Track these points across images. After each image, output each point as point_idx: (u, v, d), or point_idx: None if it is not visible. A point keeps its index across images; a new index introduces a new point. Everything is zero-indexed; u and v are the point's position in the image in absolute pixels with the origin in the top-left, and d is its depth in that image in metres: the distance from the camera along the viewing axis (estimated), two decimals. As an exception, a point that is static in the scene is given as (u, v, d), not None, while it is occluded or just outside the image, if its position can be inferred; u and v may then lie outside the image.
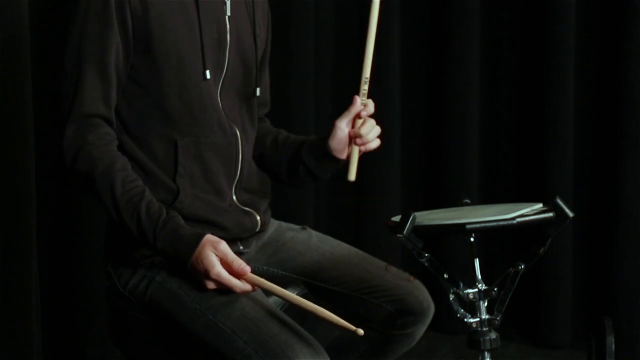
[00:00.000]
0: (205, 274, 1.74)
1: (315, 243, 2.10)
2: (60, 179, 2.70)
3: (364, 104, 1.98)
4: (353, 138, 1.97)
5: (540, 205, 1.88)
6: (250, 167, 2.02)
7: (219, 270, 1.74)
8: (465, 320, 1.84)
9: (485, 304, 1.84)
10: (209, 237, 1.75)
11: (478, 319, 1.84)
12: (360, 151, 1.98)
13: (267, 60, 2.12)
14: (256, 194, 2.02)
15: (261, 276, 1.78)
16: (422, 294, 2.03)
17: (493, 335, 1.84)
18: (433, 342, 3.26)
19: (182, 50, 1.86)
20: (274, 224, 2.11)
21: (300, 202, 3.32)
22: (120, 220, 1.78)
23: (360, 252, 2.11)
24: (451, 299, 1.83)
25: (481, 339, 1.83)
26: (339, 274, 2.04)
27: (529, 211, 1.82)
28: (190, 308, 1.80)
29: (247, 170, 1.99)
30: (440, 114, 3.42)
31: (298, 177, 2.08)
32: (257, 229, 2.01)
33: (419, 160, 3.51)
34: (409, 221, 1.75)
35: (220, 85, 1.94)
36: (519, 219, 1.77)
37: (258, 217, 2.00)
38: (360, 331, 1.67)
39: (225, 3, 1.94)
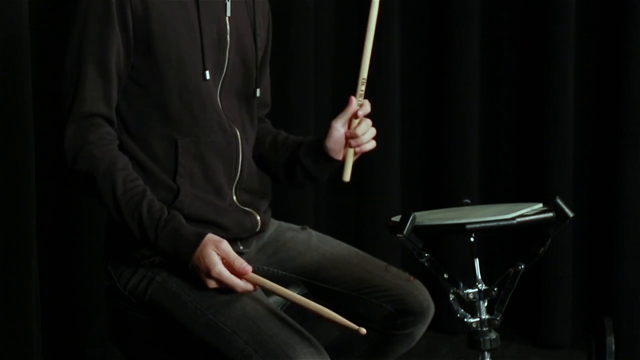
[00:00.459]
0: (207, 273, 1.74)
1: (315, 243, 2.10)
2: (60, 179, 2.70)
3: (360, 104, 1.97)
4: (348, 139, 1.97)
5: (540, 205, 1.88)
6: (251, 168, 2.02)
7: (220, 269, 1.74)
8: (465, 320, 1.84)
9: (485, 304, 1.84)
10: (211, 236, 1.76)
11: (478, 319, 1.84)
12: (355, 152, 1.98)
13: (268, 60, 2.12)
14: (256, 194, 2.03)
15: (262, 276, 1.78)
16: (422, 294, 2.03)
17: (493, 335, 1.83)
18: (433, 342, 3.26)
19: (182, 51, 1.86)
20: (274, 224, 2.11)
21: (300, 202, 3.32)
22: (121, 220, 1.78)
23: (360, 252, 2.11)
24: (451, 299, 1.83)
25: (481, 339, 1.83)
26: (339, 274, 2.04)
27: (529, 211, 1.82)
28: (191, 308, 1.80)
29: (247, 171, 1.99)
30: (440, 114, 3.42)
31: (296, 177, 2.08)
32: (257, 229, 2.01)
33: (419, 160, 3.51)
34: (409, 221, 1.75)
35: (220, 85, 1.94)
36: (519, 219, 1.77)
37: (258, 217, 2.00)
38: (363, 330, 1.67)
39: (225, 3, 1.94)
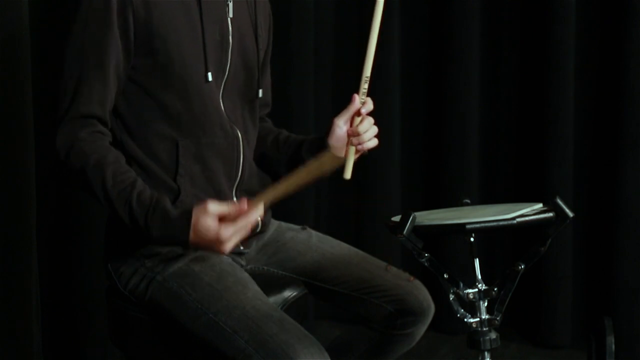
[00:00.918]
0: (218, 241, 1.70)
1: (315, 243, 2.10)
2: (60, 179, 2.70)
3: (363, 102, 1.97)
4: (350, 136, 1.97)
5: (540, 205, 1.88)
6: (251, 169, 2.02)
7: (223, 232, 1.69)
8: (465, 320, 1.84)
9: (485, 304, 1.84)
10: (196, 210, 1.72)
11: (478, 319, 1.84)
12: (357, 150, 1.98)
13: (269, 61, 2.12)
14: (257, 195, 2.02)
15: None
16: (422, 294, 2.03)
17: (493, 335, 1.83)
18: (433, 342, 3.26)
19: (184, 52, 1.86)
20: (274, 224, 2.11)
21: (300, 202, 3.32)
22: (114, 213, 1.77)
23: (360, 252, 2.11)
24: (451, 299, 1.83)
25: (481, 339, 1.83)
26: (339, 274, 2.04)
27: (529, 211, 1.82)
28: (191, 308, 1.80)
29: (248, 172, 1.99)
30: (440, 114, 3.42)
31: None
32: (258, 230, 2.01)
33: (419, 160, 3.51)
34: (409, 221, 1.75)
35: (222, 87, 1.94)
36: (519, 219, 1.77)
37: (258, 218, 2.00)
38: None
39: (227, 4, 1.94)
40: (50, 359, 2.79)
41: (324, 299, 2.09)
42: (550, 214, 1.80)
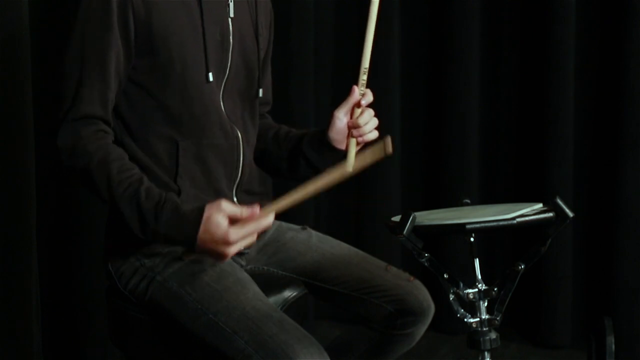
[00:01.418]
0: (224, 241, 1.68)
1: (315, 243, 2.10)
2: (60, 179, 2.70)
3: (362, 93, 1.97)
4: (351, 128, 1.97)
5: (540, 205, 1.88)
6: (252, 169, 2.02)
7: (231, 233, 1.68)
8: (465, 320, 1.84)
9: (485, 304, 1.84)
10: (209, 206, 1.70)
11: (478, 319, 1.84)
12: (357, 142, 1.97)
13: (270, 58, 2.11)
14: (257, 196, 2.02)
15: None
16: (422, 294, 2.03)
17: (493, 335, 1.84)
18: (433, 342, 3.26)
19: (185, 52, 1.86)
20: (275, 224, 2.11)
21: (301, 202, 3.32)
22: (119, 211, 1.75)
23: (360, 252, 2.11)
24: (451, 299, 1.83)
25: (481, 339, 1.83)
26: (339, 274, 2.04)
27: (529, 211, 1.82)
28: (191, 308, 1.80)
29: (248, 172, 1.99)
30: (440, 114, 3.42)
31: (299, 169, 2.07)
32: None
33: (419, 160, 3.51)
34: (409, 221, 1.75)
35: (222, 87, 1.94)
36: (519, 219, 1.77)
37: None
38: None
39: (228, 4, 1.94)
40: (50, 359, 2.79)
41: (324, 299, 2.09)
42: (550, 214, 1.80)
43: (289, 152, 2.07)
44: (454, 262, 3.19)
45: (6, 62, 2.47)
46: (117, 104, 1.86)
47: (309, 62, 3.32)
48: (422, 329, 2.05)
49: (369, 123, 1.97)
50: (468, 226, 1.75)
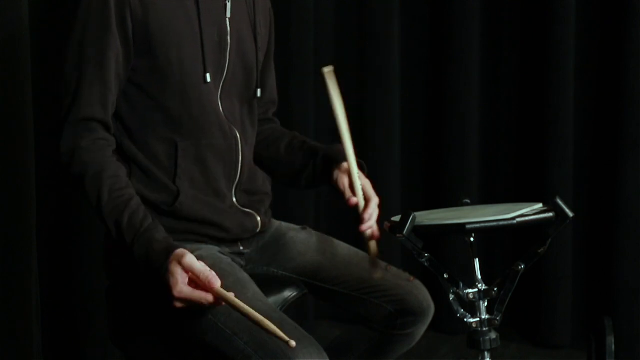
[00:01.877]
0: (171, 293, 1.68)
1: (316, 243, 2.10)
2: (60, 179, 2.70)
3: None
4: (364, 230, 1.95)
5: (540, 205, 1.88)
6: (251, 169, 2.02)
7: (180, 288, 1.67)
8: (465, 320, 1.84)
9: (485, 304, 1.84)
10: (177, 251, 1.68)
11: (478, 319, 1.84)
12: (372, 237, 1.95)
13: (272, 58, 2.11)
14: (256, 196, 2.02)
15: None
16: (422, 294, 2.03)
17: (493, 335, 1.84)
18: (433, 342, 3.26)
19: (182, 53, 1.86)
20: (275, 224, 2.11)
21: (301, 202, 3.33)
22: (106, 229, 1.77)
23: (360, 252, 2.11)
24: (451, 299, 1.83)
25: (481, 339, 1.83)
26: (339, 274, 2.04)
27: (529, 211, 1.82)
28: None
29: (247, 173, 1.99)
30: (440, 114, 3.42)
31: (313, 181, 2.08)
32: (258, 230, 2.01)
33: (419, 160, 3.51)
34: (409, 221, 1.75)
35: (220, 87, 1.94)
36: (519, 219, 1.77)
37: (258, 219, 2.00)
38: (292, 343, 1.61)
39: (225, 4, 1.94)
40: (50, 359, 2.79)
41: (324, 299, 2.09)
42: (550, 214, 1.80)
43: (301, 161, 2.07)
44: (454, 262, 3.18)
45: (6, 62, 2.47)
46: (117, 106, 1.86)
47: (309, 62, 3.32)
48: (422, 329, 2.05)
49: (373, 216, 1.95)
50: (468, 226, 1.75)
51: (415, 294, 2.02)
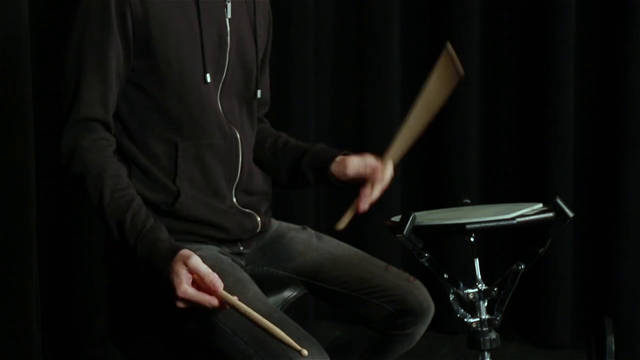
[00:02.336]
0: (174, 292, 1.68)
1: (316, 243, 2.10)
2: (60, 179, 2.70)
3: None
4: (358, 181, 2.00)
5: (540, 205, 1.88)
6: (251, 169, 2.02)
7: (185, 288, 1.67)
8: (465, 320, 1.84)
9: (485, 304, 1.84)
10: (182, 252, 1.69)
11: (478, 319, 1.84)
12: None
13: (268, 59, 2.11)
14: (256, 196, 2.02)
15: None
16: (422, 294, 2.03)
17: (493, 335, 1.84)
18: (433, 342, 3.26)
19: (182, 53, 1.86)
20: (275, 224, 2.11)
21: (301, 202, 3.32)
22: (107, 230, 1.77)
23: (360, 252, 2.11)
24: (451, 299, 1.83)
25: (481, 339, 1.83)
26: (339, 274, 2.04)
27: (529, 211, 1.82)
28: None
29: (247, 173, 1.99)
30: (440, 114, 3.41)
31: (293, 184, 2.10)
32: (258, 230, 2.01)
33: (419, 160, 3.51)
34: (409, 221, 1.75)
35: (220, 88, 1.93)
36: (519, 219, 1.77)
37: (258, 219, 2.00)
38: (305, 352, 1.62)
39: (225, 4, 1.94)
40: (50, 359, 2.79)
41: (324, 299, 2.09)
42: (550, 214, 1.80)
43: (288, 166, 2.08)
44: (454, 262, 3.18)
45: (6, 62, 2.47)
46: (117, 106, 1.86)
47: (309, 62, 3.32)
48: (422, 329, 2.05)
49: (374, 193, 2.01)
50: (468, 226, 1.75)
51: (415, 294, 2.02)
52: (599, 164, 3.27)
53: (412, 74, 3.45)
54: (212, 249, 1.90)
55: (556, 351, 3.29)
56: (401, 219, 1.76)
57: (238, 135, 1.96)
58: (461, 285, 1.83)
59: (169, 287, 1.68)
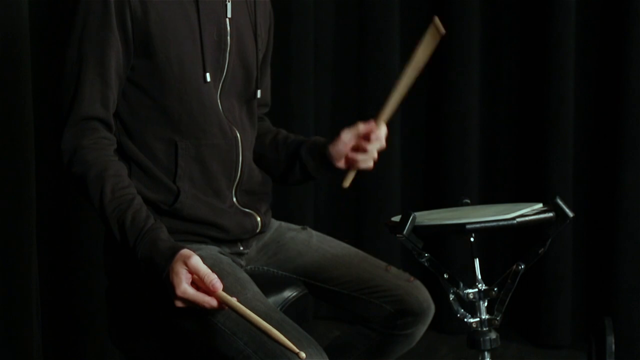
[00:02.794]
0: (173, 292, 1.68)
1: (316, 243, 2.10)
2: (60, 179, 2.70)
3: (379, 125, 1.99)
4: (349, 159, 1.99)
5: (540, 205, 1.88)
6: (251, 169, 2.02)
7: (184, 287, 1.67)
8: (465, 320, 1.84)
9: (485, 304, 1.84)
10: (183, 252, 1.69)
11: (478, 319, 1.83)
12: (350, 164, 2.01)
13: (269, 60, 2.11)
14: (256, 196, 2.02)
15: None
16: (422, 294, 2.03)
17: (493, 335, 1.83)
18: (433, 342, 3.26)
19: (182, 53, 1.86)
20: (275, 224, 2.11)
21: (300, 202, 3.32)
22: (107, 228, 1.77)
23: (360, 252, 2.11)
24: (451, 299, 1.83)
25: (481, 339, 1.83)
26: (339, 274, 2.04)
27: (529, 211, 1.82)
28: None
29: (247, 173, 1.99)
30: (440, 113, 3.42)
31: (294, 174, 2.08)
32: (258, 230, 2.01)
33: (419, 160, 3.51)
34: (409, 221, 1.75)
35: (220, 87, 1.93)
36: (519, 219, 1.77)
37: (258, 219, 2.00)
38: (302, 355, 1.62)
39: (226, 4, 1.94)
40: (50, 359, 2.79)
41: (324, 299, 2.09)
42: (550, 214, 1.80)
43: (287, 157, 2.08)
44: (454, 262, 3.19)
45: (6, 62, 2.47)
46: (117, 105, 1.86)
47: (309, 62, 3.32)
48: (422, 329, 2.05)
49: (369, 152, 1.98)
50: (468, 226, 1.75)
51: (415, 294, 2.02)
52: (599, 164, 3.27)
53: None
54: (212, 249, 1.91)
55: (556, 351, 3.29)
56: (401, 219, 1.76)
57: (238, 135, 1.96)
58: (461, 285, 1.83)
59: (169, 287, 1.68)
